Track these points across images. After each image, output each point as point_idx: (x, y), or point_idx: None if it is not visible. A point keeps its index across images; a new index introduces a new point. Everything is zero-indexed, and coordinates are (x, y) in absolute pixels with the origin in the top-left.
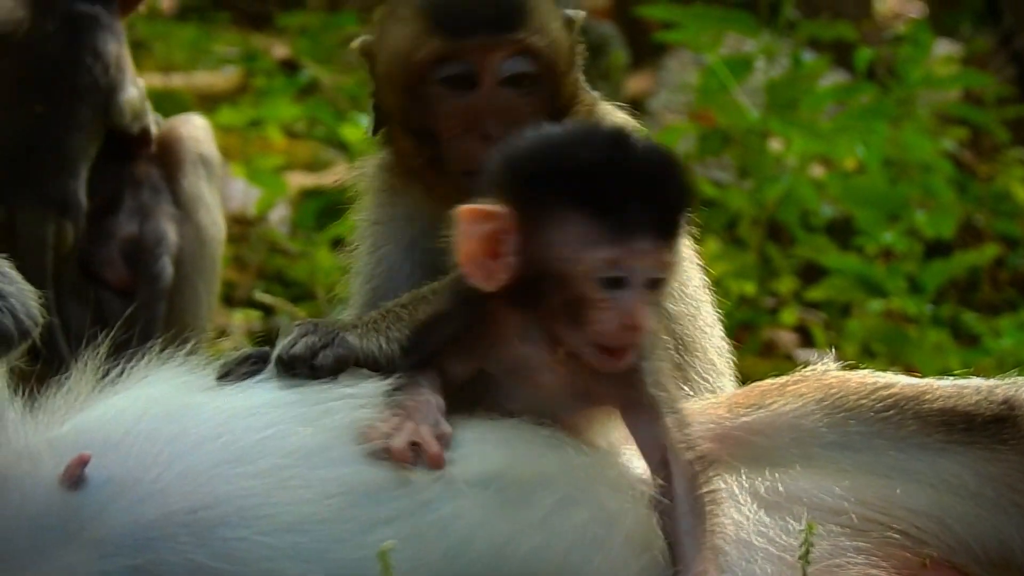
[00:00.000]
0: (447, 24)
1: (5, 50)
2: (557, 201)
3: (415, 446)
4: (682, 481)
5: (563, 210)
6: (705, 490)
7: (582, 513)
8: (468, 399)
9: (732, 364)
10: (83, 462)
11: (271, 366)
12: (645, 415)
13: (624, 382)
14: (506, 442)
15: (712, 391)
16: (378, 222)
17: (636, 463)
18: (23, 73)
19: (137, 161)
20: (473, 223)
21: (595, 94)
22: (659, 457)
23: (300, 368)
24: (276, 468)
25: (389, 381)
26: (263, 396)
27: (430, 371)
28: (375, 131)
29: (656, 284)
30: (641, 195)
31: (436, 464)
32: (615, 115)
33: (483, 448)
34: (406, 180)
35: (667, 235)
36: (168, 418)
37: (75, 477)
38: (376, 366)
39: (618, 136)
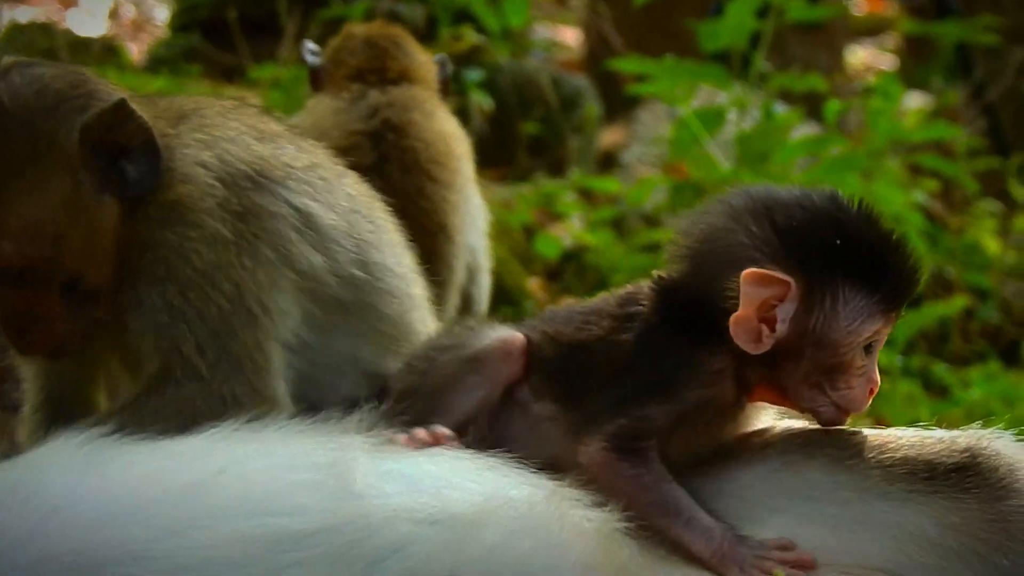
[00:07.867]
0: None
1: None
2: (844, 275)
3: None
4: None
5: (847, 283)
6: None
7: (527, 542)
8: None
9: None
10: None
11: None
12: None
13: None
14: (468, 484)
15: None
16: None
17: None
18: None
19: None
20: (757, 286)
21: None
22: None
23: None
24: (172, 519)
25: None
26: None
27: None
28: None
29: None
30: (899, 266)
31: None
32: None
33: (439, 488)
34: None
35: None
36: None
37: None
38: None
39: (866, 209)
